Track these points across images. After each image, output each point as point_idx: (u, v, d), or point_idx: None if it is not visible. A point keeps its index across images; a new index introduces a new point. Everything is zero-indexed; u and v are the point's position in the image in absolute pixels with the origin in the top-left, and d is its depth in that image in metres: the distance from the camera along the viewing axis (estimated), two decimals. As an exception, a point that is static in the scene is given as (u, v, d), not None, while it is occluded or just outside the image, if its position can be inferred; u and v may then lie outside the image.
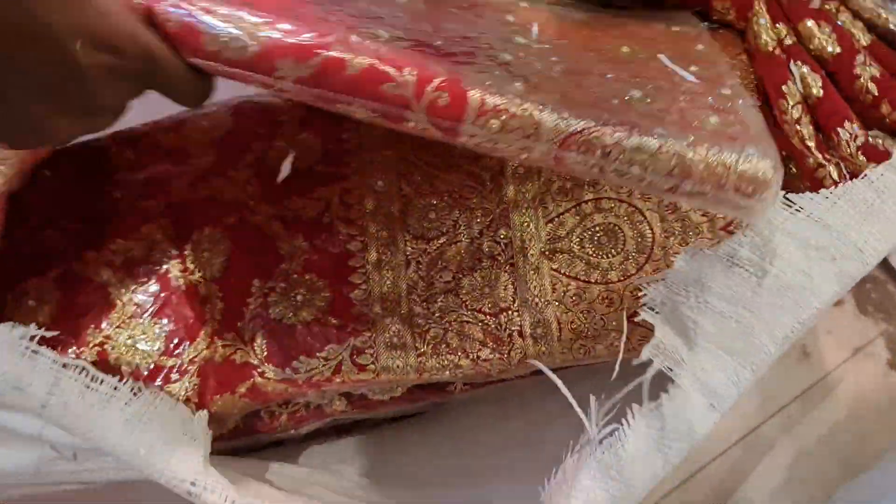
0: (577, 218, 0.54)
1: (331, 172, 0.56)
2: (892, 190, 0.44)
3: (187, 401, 0.53)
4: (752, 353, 0.42)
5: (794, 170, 0.53)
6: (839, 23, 0.51)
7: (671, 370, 0.41)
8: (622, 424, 0.41)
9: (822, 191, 0.43)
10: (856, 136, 0.48)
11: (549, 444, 0.51)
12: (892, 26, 0.50)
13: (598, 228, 0.54)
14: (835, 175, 0.48)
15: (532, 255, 0.54)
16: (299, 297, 0.53)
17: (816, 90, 0.49)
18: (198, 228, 0.56)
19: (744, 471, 0.93)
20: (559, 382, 0.43)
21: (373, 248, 0.55)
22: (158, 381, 0.53)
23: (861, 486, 0.82)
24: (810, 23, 0.51)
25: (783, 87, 0.50)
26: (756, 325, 0.42)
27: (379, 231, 0.55)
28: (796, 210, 0.43)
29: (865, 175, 0.44)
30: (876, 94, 0.49)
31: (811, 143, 0.49)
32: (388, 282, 0.54)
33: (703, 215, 0.52)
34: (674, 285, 0.43)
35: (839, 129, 0.49)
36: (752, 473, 0.93)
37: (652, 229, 0.53)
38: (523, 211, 0.55)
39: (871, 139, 0.49)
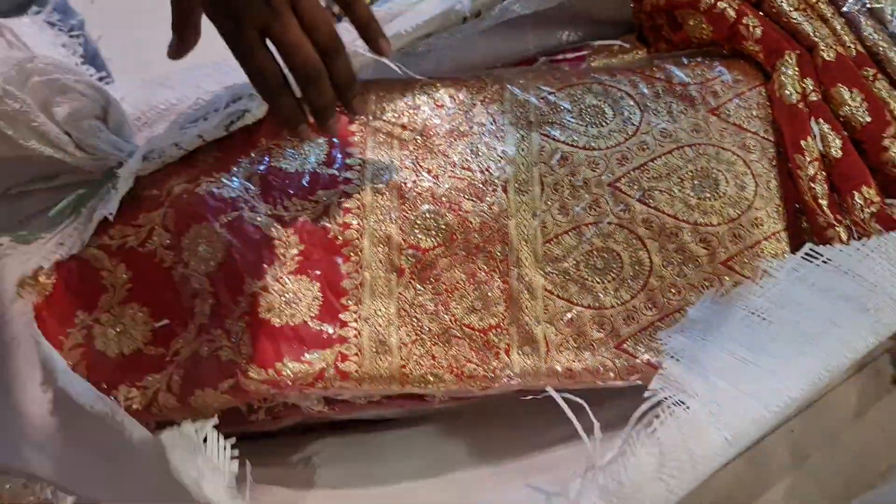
0: (576, 240, 0.54)
1: (334, 179, 0.57)
2: None
3: (168, 390, 0.54)
4: (772, 396, 0.42)
5: (804, 224, 0.53)
6: (875, 90, 0.50)
7: (682, 403, 0.41)
8: (625, 451, 0.41)
9: (854, 243, 0.43)
10: (871, 203, 0.48)
11: (537, 452, 0.50)
12: None
13: (595, 252, 0.54)
14: (844, 237, 0.48)
15: (526, 273, 0.54)
16: (291, 292, 0.54)
17: (836, 151, 0.49)
18: (197, 222, 0.57)
19: (746, 485, 0.92)
20: (567, 408, 0.43)
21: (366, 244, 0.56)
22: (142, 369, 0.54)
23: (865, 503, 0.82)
24: (843, 89, 0.50)
25: (802, 143, 0.50)
26: (777, 371, 0.42)
27: (371, 217, 0.56)
28: (823, 261, 0.42)
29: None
30: None
31: (824, 202, 0.48)
32: (380, 270, 0.55)
33: (703, 247, 0.52)
34: (691, 334, 0.43)
35: (855, 193, 0.48)
36: (754, 488, 0.92)
37: (650, 257, 0.53)
38: (522, 229, 0.55)
39: (887, 207, 0.49)
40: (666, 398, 0.41)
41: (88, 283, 0.57)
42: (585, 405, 0.44)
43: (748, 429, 0.42)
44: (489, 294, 0.54)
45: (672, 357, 0.42)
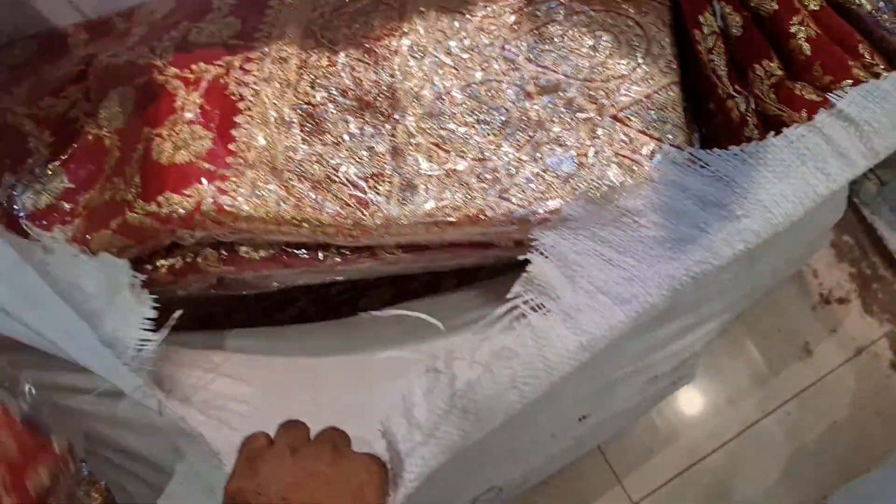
0: (467, 94, 0.55)
1: (237, 44, 0.62)
2: (814, 152, 0.43)
3: (73, 239, 0.57)
4: (634, 300, 0.42)
5: (711, 106, 0.53)
6: None
7: (542, 306, 0.40)
8: (474, 366, 0.40)
9: (732, 147, 0.43)
10: (772, 76, 0.48)
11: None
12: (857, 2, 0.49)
13: (483, 105, 0.54)
14: (742, 107, 0.48)
15: (412, 123, 0.55)
16: (183, 138, 0.57)
17: (736, 29, 0.50)
18: (114, 87, 0.62)
19: (741, 467, 0.93)
20: (421, 315, 0.46)
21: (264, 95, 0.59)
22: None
23: (860, 487, 0.82)
24: None
25: (700, 18, 0.50)
26: (640, 276, 0.42)
27: (271, 81, 0.59)
28: (700, 167, 0.42)
29: (784, 133, 0.43)
30: (809, 54, 0.49)
31: (722, 73, 0.49)
32: (272, 122, 0.57)
33: (591, 102, 0.51)
34: (563, 231, 0.43)
35: (756, 66, 0.49)
36: (748, 470, 0.93)
37: (538, 112, 0.52)
38: (413, 82, 0.57)
39: (789, 84, 0.49)
40: (528, 300, 0.40)
41: (15, 147, 0.63)
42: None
43: (604, 334, 0.41)
44: (375, 146, 0.56)
45: (542, 254, 0.42)
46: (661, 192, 0.42)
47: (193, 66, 0.61)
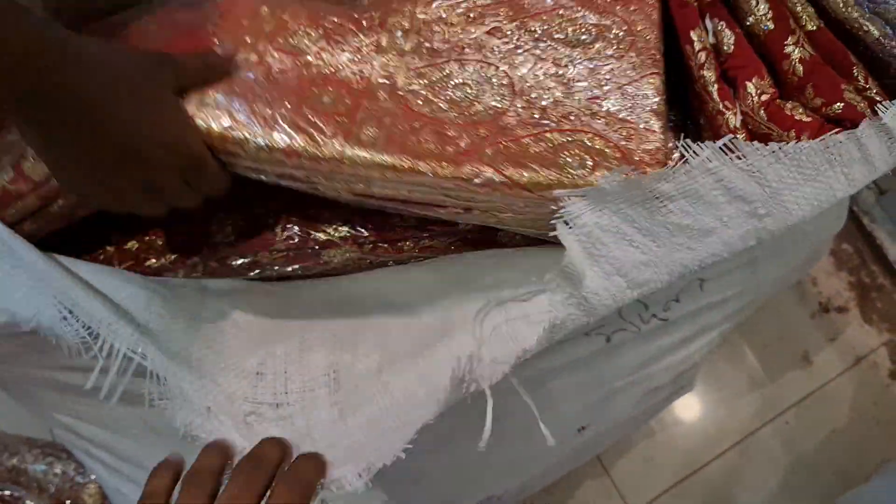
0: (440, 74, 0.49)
1: None
2: (843, 158, 0.43)
3: None
4: (645, 285, 0.42)
5: (702, 121, 0.52)
6: (791, 3, 0.51)
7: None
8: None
9: (772, 144, 0.42)
10: (762, 93, 0.48)
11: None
12: (856, 21, 0.49)
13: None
14: (733, 122, 0.48)
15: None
16: None
17: (728, 46, 0.50)
18: None
19: (739, 476, 0.93)
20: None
21: None
22: None
23: (859, 496, 0.81)
24: None
25: (691, 33, 0.50)
26: (658, 260, 0.42)
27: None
28: (737, 157, 0.42)
29: (823, 139, 0.43)
30: (802, 75, 0.49)
31: (713, 89, 0.49)
32: None
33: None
34: (593, 202, 0.43)
35: (747, 83, 0.49)
36: (747, 479, 0.92)
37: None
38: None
39: (780, 104, 0.49)
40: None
41: None
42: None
43: (609, 312, 0.43)
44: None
45: (567, 224, 0.42)
46: (696, 177, 0.42)
47: None
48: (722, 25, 0.51)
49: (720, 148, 0.42)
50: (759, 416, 0.94)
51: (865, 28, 0.48)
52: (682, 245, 0.42)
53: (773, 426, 0.94)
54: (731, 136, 0.42)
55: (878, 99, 0.46)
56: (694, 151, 0.42)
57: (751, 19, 0.51)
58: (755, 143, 0.42)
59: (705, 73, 0.50)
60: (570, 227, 0.42)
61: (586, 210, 0.42)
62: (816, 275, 1.01)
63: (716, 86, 0.49)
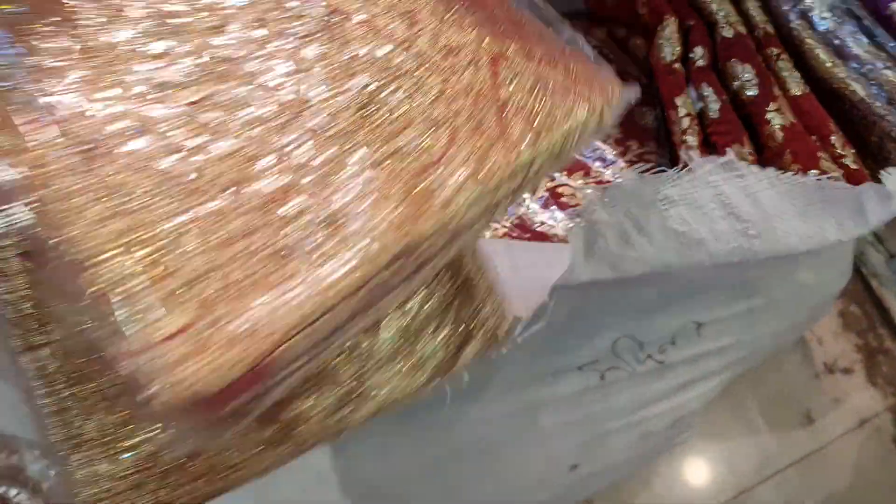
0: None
1: None
2: (838, 207, 0.45)
3: None
4: (628, 272, 0.43)
5: None
6: (775, 68, 0.52)
7: None
8: None
9: (771, 169, 0.44)
10: (742, 159, 0.50)
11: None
12: (842, 81, 0.50)
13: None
14: None
15: None
16: None
17: (713, 112, 0.51)
18: None
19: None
20: None
21: None
22: None
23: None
24: (737, 63, 0.52)
25: (676, 100, 0.52)
26: (648, 258, 0.43)
27: None
28: (738, 175, 0.43)
29: (820, 179, 0.44)
30: (781, 141, 0.50)
31: (695, 154, 0.50)
32: None
33: None
34: (611, 195, 0.44)
35: (728, 149, 0.50)
36: (745, 536, 0.91)
37: None
38: None
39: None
40: None
41: None
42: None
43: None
44: None
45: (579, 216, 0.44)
46: (697, 187, 0.43)
47: None
48: (710, 91, 0.53)
49: (723, 164, 0.43)
50: (759, 472, 0.93)
51: (851, 88, 0.50)
52: (672, 249, 0.43)
53: (773, 483, 0.92)
54: (729, 157, 0.43)
55: (853, 167, 0.48)
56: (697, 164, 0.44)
57: (736, 84, 0.53)
58: (753, 166, 0.43)
59: (688, 138, 0.52)
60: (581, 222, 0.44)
61: (598, 200, 0.44)
62: (823, 335, 1.01)
63: (698, 151, 0.51)
